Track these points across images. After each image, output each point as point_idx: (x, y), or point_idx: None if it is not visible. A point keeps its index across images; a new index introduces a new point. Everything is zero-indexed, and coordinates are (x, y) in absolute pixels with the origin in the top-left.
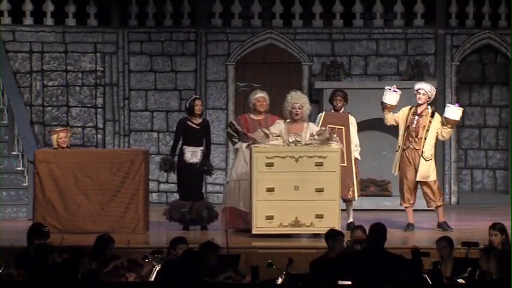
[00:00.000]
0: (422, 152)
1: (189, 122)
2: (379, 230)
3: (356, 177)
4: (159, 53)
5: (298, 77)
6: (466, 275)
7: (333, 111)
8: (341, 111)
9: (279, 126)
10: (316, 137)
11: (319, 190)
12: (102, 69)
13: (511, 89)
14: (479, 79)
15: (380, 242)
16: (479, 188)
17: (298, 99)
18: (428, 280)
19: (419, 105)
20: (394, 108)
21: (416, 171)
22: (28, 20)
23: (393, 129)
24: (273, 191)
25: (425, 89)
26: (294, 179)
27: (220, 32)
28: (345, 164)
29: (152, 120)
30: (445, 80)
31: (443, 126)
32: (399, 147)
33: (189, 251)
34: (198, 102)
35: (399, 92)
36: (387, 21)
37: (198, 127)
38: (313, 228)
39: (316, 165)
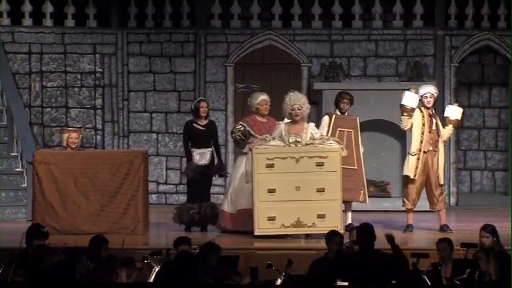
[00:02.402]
0: (439, 154)
1: (194, 124)
2: (366, 230)
3: (365, 179)
4: (158, 54)
5: (297, 78)
6: (465, 276)
7: (339, 113)
8: (346, 114)
9: (279, 127)
10: (316, 140)
11: (321, 190)
12: (101, 70)
13: (510, 90)
14: (479, 80)
15: (369, 241)
16: (478, 189)
17: (297, 100)
18: (428, 281)
19: (428, 108)
20: (413, 112)
21: (427, 173)
22: (27, 21)
23: (392, 130)
24: (274, 192)
25: (432, 91)
26: (295, 179)
27: (220, 33)
28: (355, 167)
29: (151, 121)
30: (444, 81)
31: (445, 127)
32: (419, 150)
33: (185, 252)
34: (203, 104)
35: (417, 94)
36: (386, 22)
37: (204, 128)
38: (314, 228)
39: (317, 165)
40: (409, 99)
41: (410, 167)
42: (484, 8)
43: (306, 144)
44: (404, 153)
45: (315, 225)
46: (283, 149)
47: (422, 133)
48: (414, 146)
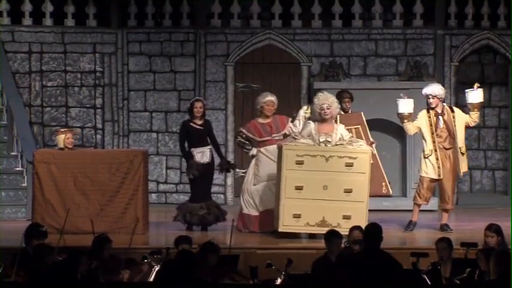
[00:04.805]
0: (459, 148)
1: (191, 124)
2: (375, 230)
3: (384, 171)
4: (158, 54)
5: (297, 77)
6: (465, 275)
7: (342, 112)
8: (350, 111)
9: (308, 127)
10: (346, 142)
11: (348, 191)
12: (101, 69)
13: (510, 89)
14: (478, 79)
15: (376, 242)
16: (478, 188)
17: (325, 100)
18: (428, 280)
19: (434, 107)
20: (412, 116)
21: (439, 170)
22: (27, 21)
23: (392, 129)
24: (302, 189)
25: (433, 93)
26: (323, 178)
27: (220, 32)
28: (371, 161)
29: (151, 120)
30: (444, 80)
31: (471, 112)
32: (431, 150)
33: (183, 252)
34: (197, 104)
35: (410, 99)
36: (386, 21)
37: (202, 128)
38: (339, 229)
39: (346, 166)
40: (404, 106)
41: (430, 168)
42: (484, 8)
43: (336, 145)
44: (404, 153)
45: (340, 226)
46: (314, 147)
47: (432, 133)
48: (427, 147)
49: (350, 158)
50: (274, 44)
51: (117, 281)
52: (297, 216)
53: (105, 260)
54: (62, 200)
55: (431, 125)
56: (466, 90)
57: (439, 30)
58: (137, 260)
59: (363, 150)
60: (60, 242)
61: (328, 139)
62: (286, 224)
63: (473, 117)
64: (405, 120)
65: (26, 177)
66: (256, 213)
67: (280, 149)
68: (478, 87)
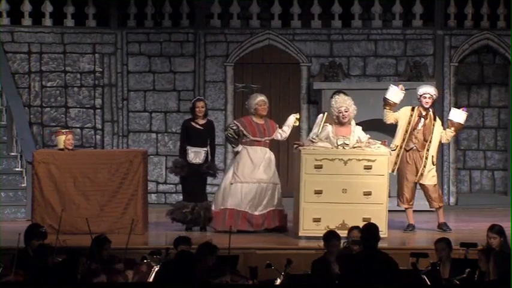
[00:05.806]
0: (431, 156)
1: (192, 123)
2: (372, 230)
3: None
4: (157, 54)
5: (297, 77)
6: (464, 275)
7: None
8: None
9: (326, 130)
10: (363, 144)
11: (367, 193)
12: (100, 70)
13: (510, 89)
14: (478, 80)
15: (373, 241)
16: (478, 188)
17: (343, 102)
18: (427, 281)
19: (426, 108)
20: (396, 107)
21: (417, 172)
22: (27, 21)
23: (392, 130)
24: (321, 193)
25: (431, 92)
26: (342, 181)
27: (219, 32)
28: None
29: (151, 121)
30: (443, 80)
31: (448, 129)
32: (397, 146)
33: (183, 252)
34: (198, 103)
35: (404, 91)
36: (386, 22)
37: (202, 128)
38: None
39: (364, 169)
40: (393, 93)
41: (393, 163)
42: (484, 8)
43: (354, 147)
44: None
45: None
46: (332, 150)
47: (406, 131)
48: (394, 141)
49: (368, 160)
50: (274, 44)
51: (115, 281)
52: (316, 220)
53: (104, 261)
54: (62, 200)
55: (409, 123)
56: (453, 108)
57: (439, 30)
58: (137, 260)
59: (382, 153)
60: (58, 243)
61: (345, 141)
62: (306, 228)
63: (447, 134)
64: (388, 107)
65: (25, 177)
66: (217, 210)
67: (298, 153)
68: (467, 110)
